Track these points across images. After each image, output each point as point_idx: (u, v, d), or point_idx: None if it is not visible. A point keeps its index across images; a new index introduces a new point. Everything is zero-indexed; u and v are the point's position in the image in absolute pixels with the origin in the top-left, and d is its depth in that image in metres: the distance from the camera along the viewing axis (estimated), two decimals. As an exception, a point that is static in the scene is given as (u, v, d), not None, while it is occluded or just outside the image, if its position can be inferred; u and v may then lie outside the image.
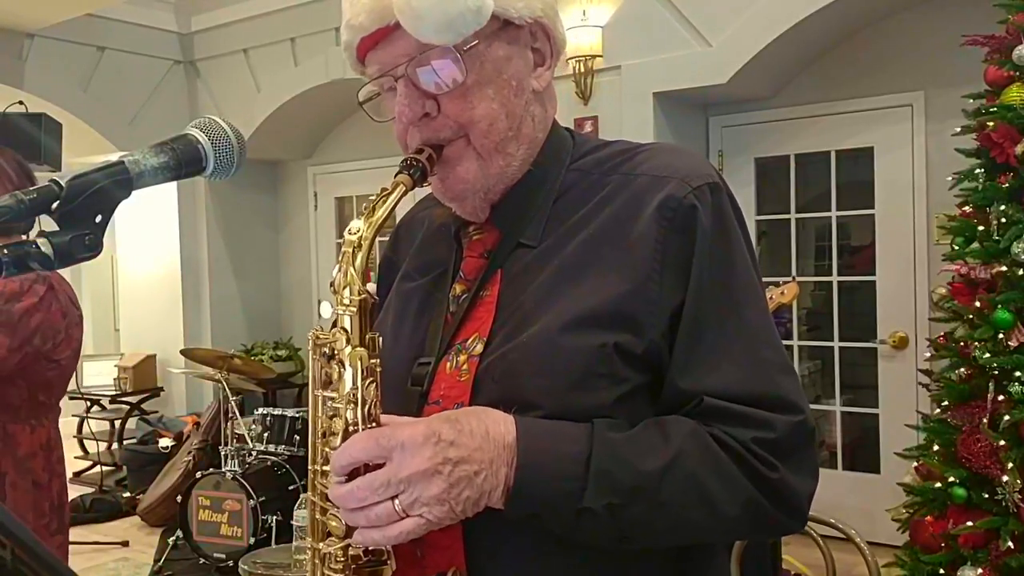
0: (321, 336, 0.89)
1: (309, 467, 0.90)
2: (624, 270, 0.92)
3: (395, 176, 0.92)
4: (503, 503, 0.85)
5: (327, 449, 0.87)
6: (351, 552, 0.86)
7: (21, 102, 4.82)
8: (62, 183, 0.77)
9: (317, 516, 0.88)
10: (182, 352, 5.52)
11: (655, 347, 0.91)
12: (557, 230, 0.98)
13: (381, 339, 0.89)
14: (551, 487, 0.85)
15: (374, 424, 0.86)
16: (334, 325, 0.89)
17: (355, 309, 0.87)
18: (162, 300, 6.61)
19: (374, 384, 0.87)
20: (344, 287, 0.88)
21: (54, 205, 0.77)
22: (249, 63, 6.32)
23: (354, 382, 0.86)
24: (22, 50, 5.71)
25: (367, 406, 0.86)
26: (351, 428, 0.85)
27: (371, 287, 0.90)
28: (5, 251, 0.75)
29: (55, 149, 4.90)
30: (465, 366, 0.94)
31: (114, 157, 0.83)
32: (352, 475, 0.83)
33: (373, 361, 0.87)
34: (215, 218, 6.59)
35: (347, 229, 0.89)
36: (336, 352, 0.87)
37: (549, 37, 1.01)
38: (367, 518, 0.82)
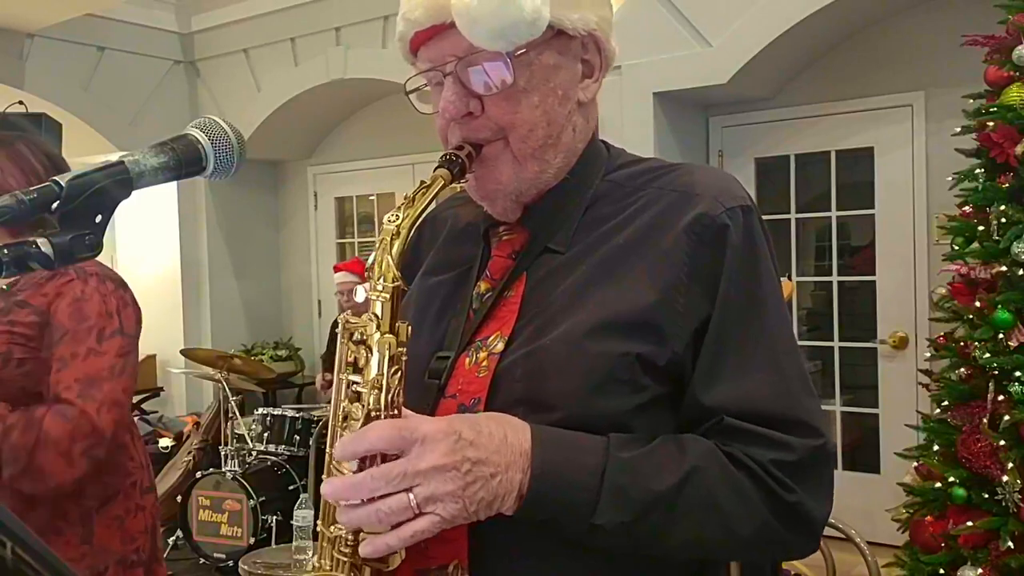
0: (351, 321, 0.89)
1: (327, 450, 0.89)
2: (651, 280, 0.93)
3: (434, 170, 0.94)
4: (515, 509, 0.85)
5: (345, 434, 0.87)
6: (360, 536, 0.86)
7: (21, 102, 4.80)
8: (62, 183, 0.77)
9: (329, 501, 0.88)
10: (182, 352, 5.53)
11: (678, 359, 0.92)
12: (586, 238, 0.99)
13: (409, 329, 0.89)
14: (565, 497, 0.85)
15: (396, 412, 0.86)
16: (353, 317, 0.89)
17: (387, 296, 0.87)
18: (162, 300, 6.60)
19: (399, 373, 0.86)
20: (378, 275, 0.88)
21: (54, 205, 0.77)
22: (249, 63, 6.32)
23: (379, 368, 0.86)
24: (22, 50, 5.70)
25: (391, 393, 0.86)
26: (372, 414, 0.85)
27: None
28: (5, 251, 0.75)
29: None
30: (484, 363, 0.95)
31: (114, 157, 0.83)
32: (361, 466, 0.83)
33: (400, 350, 0.87)
34: (215, 218, 6.59)
35: (385, 218, 0.90)
36: (365, 337, 0.87)
37: (600, 50, 1.01)
38: (378, 511, 0.81)
